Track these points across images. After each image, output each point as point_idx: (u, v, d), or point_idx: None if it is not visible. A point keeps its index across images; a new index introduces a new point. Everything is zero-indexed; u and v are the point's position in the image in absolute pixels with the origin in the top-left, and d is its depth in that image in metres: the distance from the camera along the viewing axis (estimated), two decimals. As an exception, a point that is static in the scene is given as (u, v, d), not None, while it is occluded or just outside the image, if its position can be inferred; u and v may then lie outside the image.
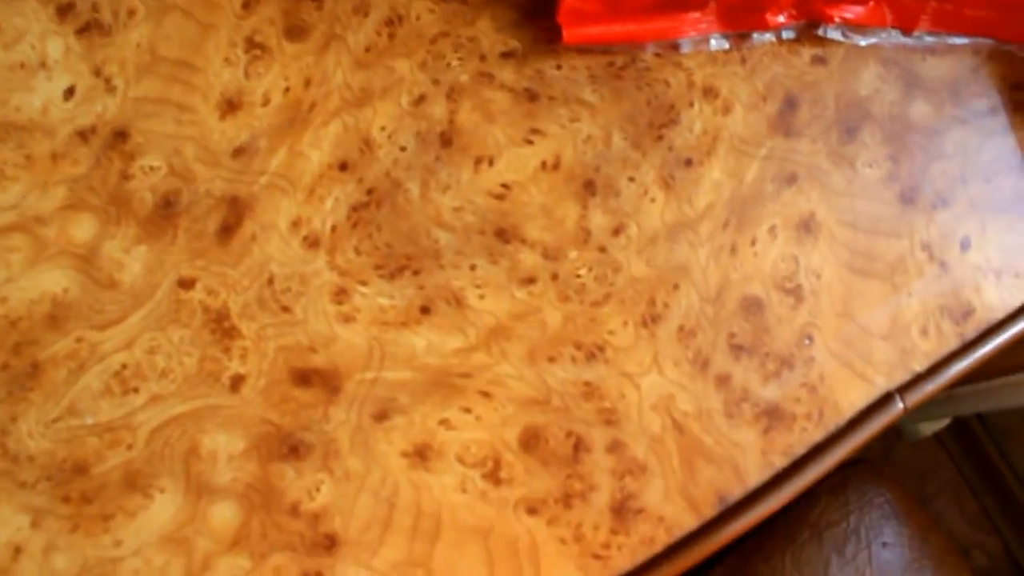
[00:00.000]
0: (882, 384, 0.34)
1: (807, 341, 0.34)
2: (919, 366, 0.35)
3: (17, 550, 0.32)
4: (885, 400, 0.34)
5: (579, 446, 0.33)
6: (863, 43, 0.37)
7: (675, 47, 0.36)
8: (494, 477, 0.32)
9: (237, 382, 0.33)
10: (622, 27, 0.35)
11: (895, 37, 0.37)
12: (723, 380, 0.34)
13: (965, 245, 0.36)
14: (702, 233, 0.35)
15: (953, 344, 0.35)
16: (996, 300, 0.36)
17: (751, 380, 0.34)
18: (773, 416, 0.33)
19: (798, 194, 0.35)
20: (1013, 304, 0.36)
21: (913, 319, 0.35)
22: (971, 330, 0.35)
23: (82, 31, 0.36)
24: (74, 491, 0.32)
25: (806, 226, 0.35)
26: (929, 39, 0.37)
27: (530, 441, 0.33)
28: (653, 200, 0.35)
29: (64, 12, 0.36)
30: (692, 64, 0.36)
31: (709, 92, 0.36)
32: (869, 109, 0.36)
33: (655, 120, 0.35)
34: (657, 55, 0.36)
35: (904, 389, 0.34)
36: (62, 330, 0.33)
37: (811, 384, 0.34)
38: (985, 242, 0.36)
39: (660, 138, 0.35)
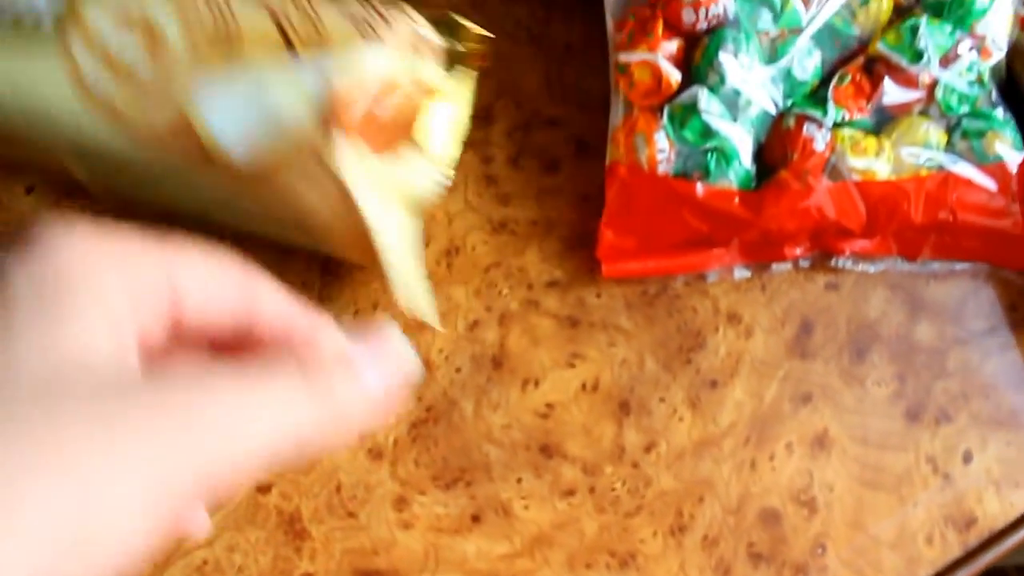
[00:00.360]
0: (890, 592, 0.37)
1: (820, 551, 0.38)
2: (924, 573, 0.38)
3: None
4: (893, 607, 0.37)
5: (613, 647, 0.36)
6: (872, 270, 0.41)
7: (702, 277, 0.40)
8: (536, 675, 0.36)
9: (307, 580, 0.37)
10: (655, 262, 0.40)
11: (900, 264, 0.41)
12: (744, 587, 0.37)
13: (967, 458, 0.39)
14: (725, 449, 0.39)
15: (957, 552, 0.38)
16: (997, 509, 0.39)
17: (769, 587, 0.37)
18: (789, 622, 0.37)
19: (813, 412, 0.39)
20: (1014, 514, 0.39)
21: (919, 528, 0.38)
22: (974, 538, 0.39)
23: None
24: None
25: (820, 442, 0.39)
26: (933, 265, 0.41)
27: (568, 642, 0.37)
28: (681, 419, 0.39)
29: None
30: (718, 291, 0.40)
31: (733, 318, 0.40)
32: (877, 331, 0.40)
33: (684, 344, 0.40)
34: (686, 284, 0.40)
35: (911, 596, 0.38)
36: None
37: (824, 592, 0.37)
38: (986, 455, 0.39)
39: (688, 361, 0.40)
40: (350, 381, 0.24)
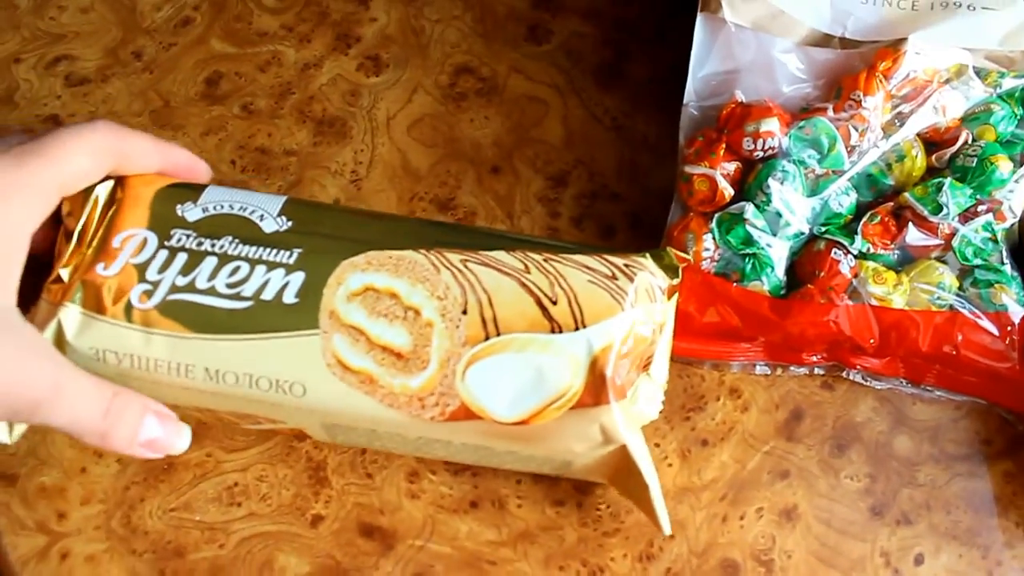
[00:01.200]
0: (823, 660, 0.41)
1: (769, 608, 0.42)
2: (858, 653, 0.42)
3: (119, 608, 0.41)
4: (823, 674, 0.41)
5: (566, 644, 0.41)
6: (879, 387, 0.46)
7: (728, 365, 0.46)
8: (493, 651, 0.41)
9: (316, 520, 0.42)
10: (687, 344, 0.45)
11: (904, 386, 0.46)
12: (693, 621, 0.41)
13: (919, 560, 0.43)
14: (703, 500, 0.43)
15: (892, 643, 0.42)
16: (938, 616, 0.43)
17: (716, 627, 0.41)
18: (727, 662, 0.41)
19: (787, 487, 0.44)
20: (952, 622, 0.43)
21: (861, 613, 0.42)
22: (910, 635, 0.42)
23: (279, 231, 0.48)
24: (169, 568, 0.42)
25: (788, 514, 0.43)
26: (936, 392, 0.46)
27: (528, 629, 0.41)
28: (670, 465, 0.44)
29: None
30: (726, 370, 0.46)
31: (734, 392, 0.46)
32: (860, 433, 0.45)
33: (686, 404, 0.45)
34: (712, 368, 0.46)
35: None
36: (199, 444, 0.43)
37: (764, 644, 0.41)
38: (937, 562, 0.43)
39: (687, 418, 0.45)
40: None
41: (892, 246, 0.46)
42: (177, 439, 0.38)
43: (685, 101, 0.48)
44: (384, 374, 0.37)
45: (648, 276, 0.39)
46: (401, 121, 0.51)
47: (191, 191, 0.40)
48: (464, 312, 0.37)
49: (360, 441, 0.41)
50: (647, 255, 0.40)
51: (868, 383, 0.46)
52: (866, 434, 0.45)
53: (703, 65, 0.48)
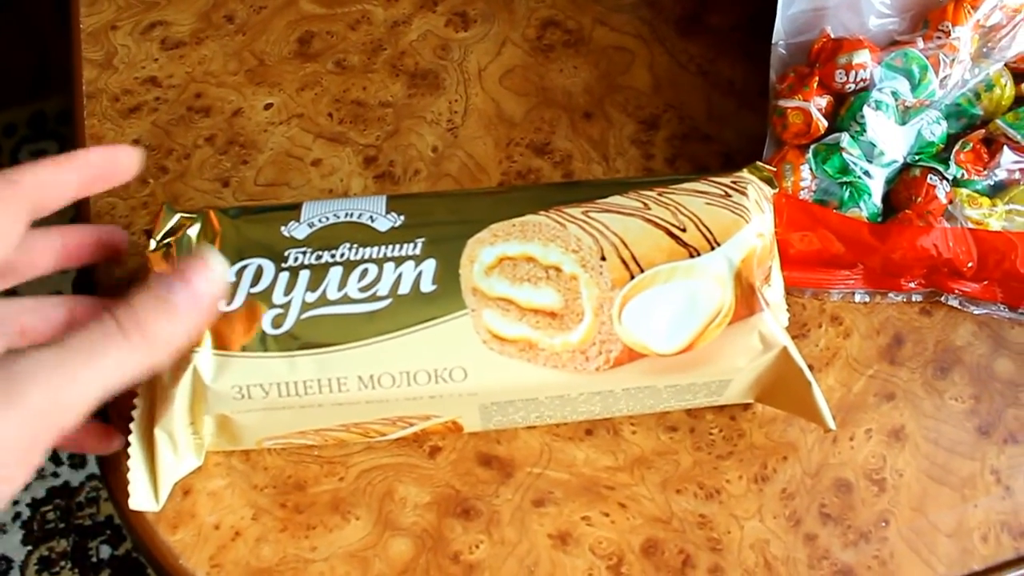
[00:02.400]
0: (943, 572, 0.42)
1: (884, 524, 0.42)
2: (977, 566, 0.42)
3: (237, 533, 0.41)
4: (943, 586, 0.41)
5: (687, 562, 0.41)
6: (976, 312, 0.47)
7: (827, 293, 0.47)
8: (616, 570, 0.41)
9: (435, 452, 0.43)
10: (788, 273, 0.46)
11: (1002, 311, 0.47)
12: (810, 538, 0.42)
13: (1028, 479, 0.44)
14: (813, 423, 0.44)
15: (1010, 555, 0.42)
16: (1050, 530, 0.43)
17: (833, 543, 0.42)
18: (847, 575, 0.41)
19: (893, 409, 0.45)
20: (1065, 536, 0.43)
21: (976, 526, 0.43)
22: (1025, 548, 0.43)
23: (378, 177, 0.49)
24: (290, 501, 0.42)
25: (896, 435, 0.44)
26: (1025, 315, 0.47)
27: (649, 549, 0.42)
28: (778, 387, 0.45)
29: (369, 161, 0.50)
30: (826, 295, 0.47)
31: (835, 319, 0.46)
32: (961, 356, 0.46)
33: (789, 331, 0.45)
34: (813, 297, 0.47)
35: (961, 581, 0.42)
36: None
37: (882, 558, 0.42)
38: (1046, 481, 0.44)
39: (792, 343, 0.46)
40: (159, 310, 0.31)
41: (985, 172, 0.47)
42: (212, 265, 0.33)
43: (774, 40, 0.49)
44: (542, 336, 0.38)
45: (756, 188, 0.40)
46: (492, 72, 0.52)
47: (287, 212, 0.40)
48: (603, 258, 0.38)
49: (516, 418, 0.41)
50: (745, 171, 0.42)
51: (966, 308, 0.47)
52: (967, 357, 0.46)
53: (792, 3, 0.49)
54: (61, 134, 1.32)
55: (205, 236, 0.39)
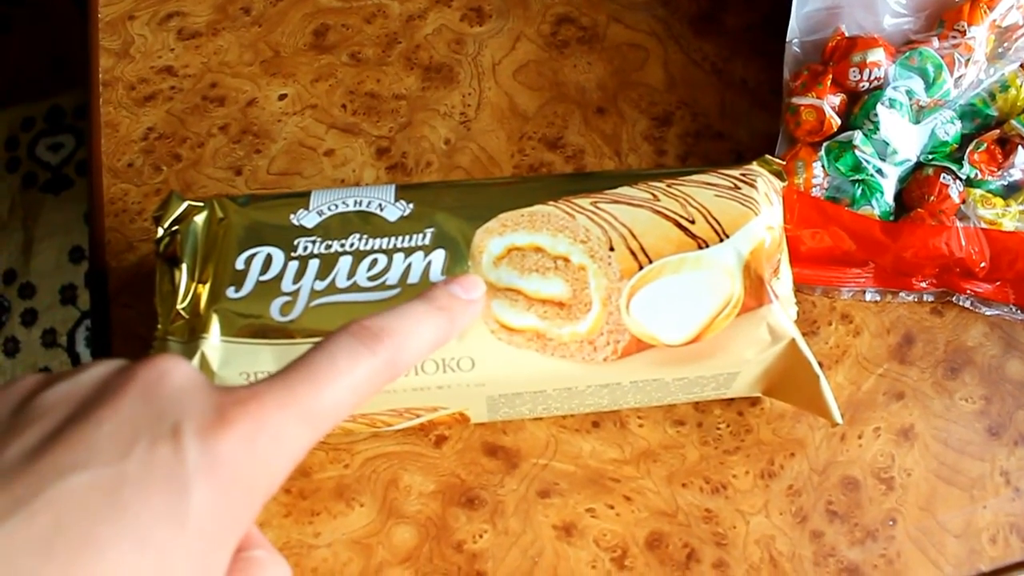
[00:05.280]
0: (950, 573, 0.41)
1: (891, 523, 0.42)
2: (985, 567, 0.42)
3: (249, 526, 0.41)
4: (949, 586, 0.41)
5: (691, 556, 0.41)
6: (988, 313, 0.46)
7: (837, 291, 0.47)
8: (620, 563, 0.41)
9: (441, 441, 0.43)
10: (799, 270, 0.45)
11: (1013, 312, 0.47)
12: (817, 535, 0.42)
13: (1038, 482, 0.43)
14: (821, 420, 0.44)
15: (1018, 557, 0.42)
16: (1059, 534, 0.43)
17: (839, 541, 0.42)
18: (853, 574, 0.41)
19: (903, 408, 0.44)
20: (1073, 540, 0.43)
21: (985, 527, 0.42)
22: (1034, 551, 0.42)
23: (391, 168, 0.49)
24: (295, 487, 0.42)
25: (905, 434, 0.44)
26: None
27: (654, 542, 0.41)
28: (787, 384, 0.44)
29: (381, 153, 0.50)
30: (836, 293, 0.47)
31: (845, 317, 0.46)
32: (972, 357, 0.46)
33: (800, 328, 0.45)
34: (823, 295, 0.47)
35: (967, 583, 0.41)
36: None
37: (889, 557, 0.41)
38: (1056, 485, 0.43)
39: (801, 340, 0.45)
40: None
41: (999, 173, 0.47)
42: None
43: (788, 38, 0.49)
44: (550, 326, 0.38)
45: (765, 180, 0.40)
46: (506, 67, 0.52)
47: (296, 199, 0.40)
48: (611, 249, 0.38)
49: (523, 410, 0.41)
50: (754, 164, 0.42)
51: (977, 309, 0.47)
52: (978, 358, 0.46)
53: (806, 2, 0.49)
54: (78, 128, 1.33)
55: (213, 224, 0.39)
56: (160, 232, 0.39)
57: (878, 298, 0.47)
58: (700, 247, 0.38)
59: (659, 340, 0.37)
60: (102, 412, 0.21)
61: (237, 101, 0.51)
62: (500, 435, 0.43)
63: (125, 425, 0.21)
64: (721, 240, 0.38)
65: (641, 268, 0.37)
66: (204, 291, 0.38)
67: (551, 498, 0.42)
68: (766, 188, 0.40)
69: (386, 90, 0.52)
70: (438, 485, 0.43)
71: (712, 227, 0.38)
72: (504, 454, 0.43)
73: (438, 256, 0.38)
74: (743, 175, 0.40)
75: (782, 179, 0.42)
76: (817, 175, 0.46)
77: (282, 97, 0.51)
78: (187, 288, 0.38)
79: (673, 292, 0.37)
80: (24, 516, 0.19)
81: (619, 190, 0.40)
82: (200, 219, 0.39)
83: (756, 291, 0.38)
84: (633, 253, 0.38)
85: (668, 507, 0.42)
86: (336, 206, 0.40)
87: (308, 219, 0.39)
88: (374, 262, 0.38)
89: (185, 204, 0.40)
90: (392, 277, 0.38)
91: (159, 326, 0.38)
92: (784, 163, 0.43)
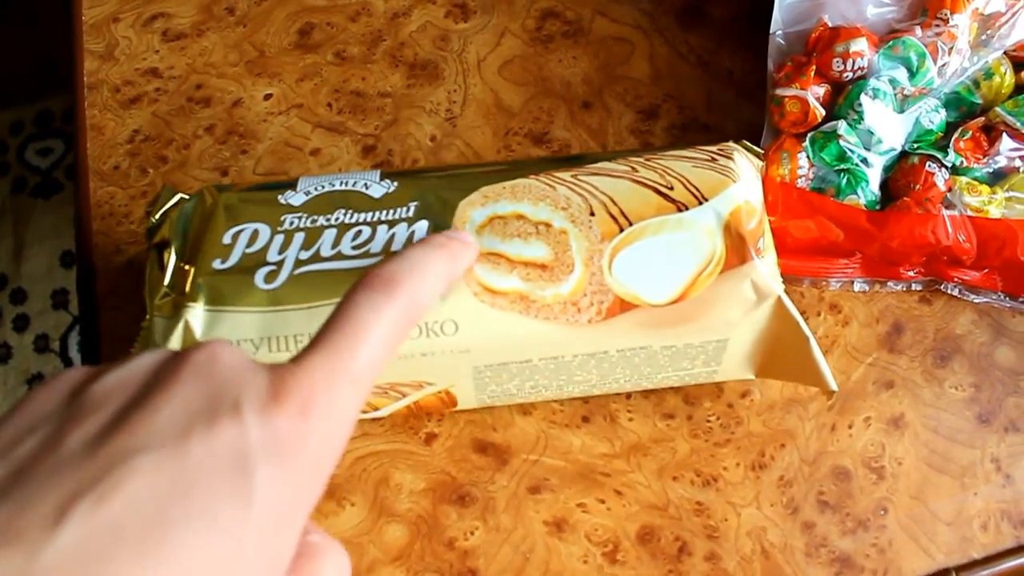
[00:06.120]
0: (942, 560, 0.41)
1: (882, 512, 0.42)
2: (977, 554, 0.42)
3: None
4: (943, 574, 0.41)
5: (683, 549, 0.41)
6: (977, 301, 0.47)
7: (826, 282, 0.47)
8: (611, 557, 0.41)
9: (431, 438, 0.43)
10: (785, 261, 0.45)
11: (1002, 300, 0.47)
12: (808, 526, 0.42)
13: (1028, 468, 0.43)
14: (810, 410, 0.44)
15: (1010, 543, 0.42)
16: (1050, 520, 0.43)
17: (831, 531, 0.42)
18: (845, 564, 0.41)
19: (892, 397, 0.44)
20: (1065, 526, 0.43)
21: (976, 514, 0.42)
22: (1025, 537, 0.42)
23: (377, 166, 0.49)
24: (291, 494, 0.42)
25: (895, 423, 0.44)
26: (1024, 304, 0.47)
27: (645, 536, 0.41)
28: (776, 375, 0.44)
29: (367, 151, 0.50)
30: (825, 286, 0.47)
31: (834, 307, 0.46)
32: (961, 345, 0.46)
33: (788, 317, 0.45)
34: (811, 286, 0.47)
35: (961, 569, 0.41)
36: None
37: (881, 546, 0.41)
38: (1047, 470, 0.43)
39: (790, 330, 0.45)
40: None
41: (984, 160, 0.47)
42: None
43: (772, 29, 0.49)
44: (533, 288, 0.38)
45: (743, 155, 0.41)
46: (492, 62, 0.52)
47: (283, 185, 0.40)
48: (592, 214, 0.38)
49: (511, 388, 0.41)
50: (731, 143, 0.42)
51: (965, 297, 0.47)
52: (967, 346, 0.46)
53: (790, -8, 0.49)
54: (67, 132, 1.32)
55: (202, 208, 0.39)
56: (152, 221, 0.40)
57: (866, 288, 0.47)
58: (680, 210, 0.38)
59: (642, 299, 0.37)
60: (159, 397, 0.21)
61: (223, 102, 0.51)
62: (490, 431, 0.43)
63: (183, 408, 0.21)
64: (700, 203, 0.38)
65: (622, 231, 0.38)
66: (191, 269, 0.38)
67: (542, 494, 0.42)
68: (744, 161, 0.40)
69: (371, 88, 0.52)
70: (428, 483, 0.42)
71: (691, 192, 0.39)
72: (494, 450, 0.43)
73: (421, 227, 0.38)
74: (720, 150, 0.41)
75: (760, 158, 0.42)
76: (802, 166, 0.46)
77: (267, 97, 0.51)
78: (176, 268, 0.38)
79: (655, 252, 0.38)
80: (92, 501, 0.19)
81: (599, 164, 0.40)
82: (190, 205, 0.40)
83: (738, 248, 0.38)
84: (614, 217, 0.38)
85: (659, 500, 0.42)
86: (323, 187, 0.40)
87: (295, 199, 0.40)
88: (358, 233, 0.38)
89: (177, 196, 0.40)
90: (376, 246, 0.38)
91: (147, 316, 0.38)
92: (760, 150, 0.43)
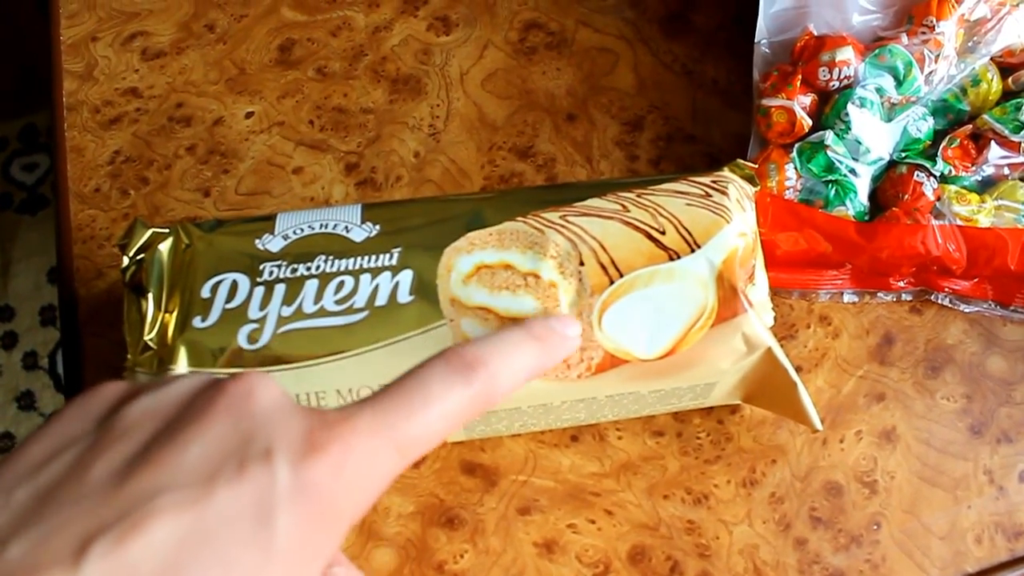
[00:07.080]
0: (936, 575, 0.41)
1: (875, 527, 0.42)
2: (971, 568, 0.41)
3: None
4: (936, 589, 0.41)
5: (675, 569, 0.41)
6: (968, 310, 0.46)
7: (815, 294, 0.46)
8: (603, 579, 0.40)
9: (418, 461, 0.43)
10: (774, 274, 0.45)
11: (993, 309, 0.46)
12: (801, 542, 0.41)
13: (1023, 478, 0.43)
14: (801, 425, 0.43)
15: (1004, 556, 0.42)
16: (1045, 531, 0.42)
17: (824, 548, 0.41)
18: (838, 581, 0.41)
19: (884, 410, 0.44)
20: (1059, 537, 0.42)
21: (970, 528, 0.42)
22: (1022, 548, 0.42)
23: (360, 184, 0.49)
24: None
25: (887, 436, 0.43)
26: (1018, 314, 0.46)
27: (636, 556, 0.41)
28: (766, 390, 0.44)
29: (350, 168, 0.49)
30: (814, 296, 0.46)
31: (824, 319, 0.46)
32: (952, 355, 0.45)
33: (777, 332, 0.45)
34: (800, 298, 0.46)
35: (954, 584, 0.41)
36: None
37: (874, 562, 0.41)
38: (1040, 481, 0.43)
39: (780, 346, 0.45)
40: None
41: (973, 168, 0.46)
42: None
43: (757, 39, 0.49)
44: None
45: (737, 187, 0.40)
46: (475, 76, 0.52)
47: (261, 223, 0.39)
48: (581, 264, 0.37)
49: (500, 428, 0.40)
50: (726, 169, 0.41)
51: (956, 307, 0.46)
52: (959, 356, 0.45)
53: (774, 2, 0.48)
54: (52, 148, 1.31)
55: (178, 251, 0.38)
56: (126, 261, 0.39)
57: (856, 299, 0.46)
58: (671, 258, 0.37)
59: (633, 355, 0.37)
60: (190, 432, 0.21)
61: (203, 121, 0.51)
62: (478, 452, 0.43)
63: (213, 446, 0.21)
64: (693, 250, 0.37)
65: (612, 282, 0.37)
66: (171, 321, 0.37)
67: (531, 515, 0.42)
68: (738, 194, 0.40)
69: (353, 104, 0.51)
70: (417, 506, 0.42)
71: (683, 237, 0.38)
72: (483, 472, 0.43)
73: (405, 276, 0.37)
74: (714, 182, 0.40)
75: (754, 184, 0.41)
76: (790, 177, 0.46)
77: (249, 115, 0.51)
78: (154, 318, 0.37)
79: (645, 306, 0.37)
80: (111, 541, 0.19)
81: (588, 202, 0.39)
82: (165, 247, 0.39)
83: (730, 301, 0.37)
84: (604, 267, 0.37)
85: (650, 520, 0.42)
86: (302, 229, 0.39)
87: (273, 244, 0.39)
88: (340, 284, 0.37)
89: (150, 231, 0.39)
90: (359, 300, 0.37)
91: (128, 356, 0.38)
92: (756, 167, 0.43)
